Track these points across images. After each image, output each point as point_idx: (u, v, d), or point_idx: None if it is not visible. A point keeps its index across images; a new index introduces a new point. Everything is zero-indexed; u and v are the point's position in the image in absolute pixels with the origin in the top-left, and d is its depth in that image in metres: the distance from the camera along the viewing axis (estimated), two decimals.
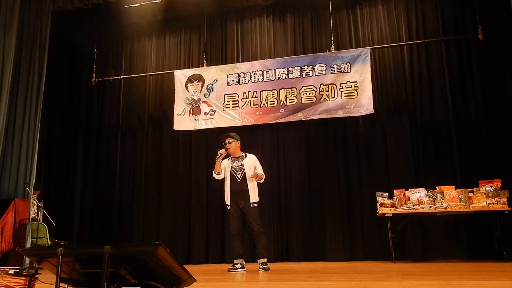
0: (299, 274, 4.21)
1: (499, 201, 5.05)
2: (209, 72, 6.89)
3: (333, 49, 6.45)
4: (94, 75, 7.46)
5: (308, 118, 6.32)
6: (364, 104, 6.09)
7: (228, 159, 5.02)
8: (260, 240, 4.76)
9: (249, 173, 4.86)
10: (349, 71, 6.27)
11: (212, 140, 6.71)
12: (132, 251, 2.00)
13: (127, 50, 7.66)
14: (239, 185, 4.86)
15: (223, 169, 4.99)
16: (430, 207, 5.26)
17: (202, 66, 7.02)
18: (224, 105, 6.70)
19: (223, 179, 5.02)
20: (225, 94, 6.73)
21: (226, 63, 6.99)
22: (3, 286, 2.37)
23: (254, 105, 6.58)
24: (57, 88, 7.45)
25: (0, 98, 5.81)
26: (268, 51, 6.92)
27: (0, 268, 4.09)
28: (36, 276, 2.50)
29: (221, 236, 6.47)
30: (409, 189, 5.50)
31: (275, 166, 6.50)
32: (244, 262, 4.83)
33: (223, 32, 7.22)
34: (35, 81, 6.20)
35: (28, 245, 5.53)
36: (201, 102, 6.82)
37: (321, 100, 6.30)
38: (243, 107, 6.61)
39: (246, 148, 5.66)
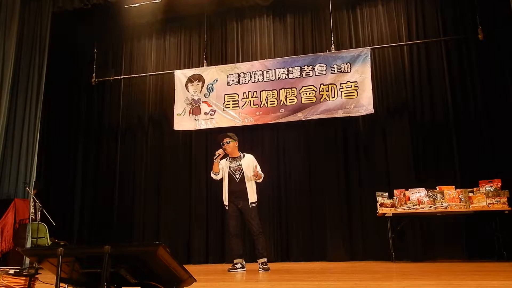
0: (299, 274, 4.21)
1: (499, 201, 5.05)
2: (209, 72, 6.89)
3: (333, 49, 6.45)
4: (94, 75, 7.46)
5: (308, 118, 6.32)
6: (364, 104, 6.09)
7: (226, 159, 5.02)
8: (260, 240, 4.76)
9: (247, 173, 4.85)
10: (349, 71, 6.27)
11: (212, 140, 6.69)
12: (132, 251, 2.00)
13: (127, 50, 7.66)
14: (238, 185, 4.85)
15: (221, 169, 4.99)
16: (430, 207, 5.26)
17: (202, 66, 7.02)
18: (224, 105, 6.70)
19: (221, 179, 5.02)
20: (225, 94, 6.74)
21: (226, 63, 6.99)
22: (3, 286, 2.37)
23: (254, 105, 6.58)
24: (57, 88, 7.45)
25: (0, 98, 5.81)
26: (268, 51, 6.93)
27: (0, 268, 4.09)
28: (36, 276, 2.50)
29: (221, 236, 6.47)
30: (409, 189, 5.50)
31: (275, 166, 6.50)
32: (244, 262, 4.83)
33: (223, 32, 7.23)
34: (35, 81, 6.20)
35: (28, 245, 5.53)
36: (201, 102, 6.82)
37: (321, 100, 6.30)
38: (243, 107, 6.61)
39: (247, 148, 5.67)
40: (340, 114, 6.21)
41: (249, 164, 4.92)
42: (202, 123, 6.76)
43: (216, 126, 6.65)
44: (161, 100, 7.28)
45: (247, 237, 5.74)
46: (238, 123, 6.57)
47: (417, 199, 5.38)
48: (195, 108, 6.83)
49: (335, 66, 6.34)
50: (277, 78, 6.56)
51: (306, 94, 6.38)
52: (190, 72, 6.99)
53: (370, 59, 6.20)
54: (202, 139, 6.93)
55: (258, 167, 4.97)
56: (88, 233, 7.06)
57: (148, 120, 7.29)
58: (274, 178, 6.43)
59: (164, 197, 6.88)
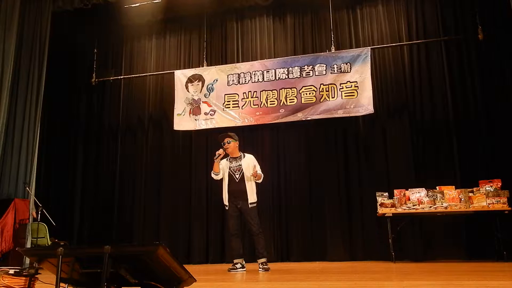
0: (299, 274, 4.20)
1: (499, 201, 5.05)
2: (209, 72, 6.89)
3: (333, 49, 6.45)
4: (94, 75, 7.46)
5: (308, 118, 6.32)
6: (364, 104, 6.09)
7: (227, 159, 5.02)
8: (260, 240, 4.76)
9: (247, 173, 4.85)
10: (349, 71, 6.27)
11: (212, 140, 6.69)
12: (132, 251, 2.00)
13: (127, 50, 7.65)
14: (237, 185, 4.85)
15: (221, 169, 4.98)
16: (430, 207, 5.26)
17: (202, 66, 7.02)
18: (224, 105, 6.70)
19: (222, 179, 5.02)
20: (225, 94, 6.74)
21: (226, 63, 6.99)
22: (3, 286, 2.37)
23: (254, 105, 6.58)
24: (57, 88, 7.44)
25: (0, 98, 5.81)
26: (268, 51, 6.93)
27: (0, 268, 4.09)
28: (36, 276, 2.50)
29: (221, 236, 6.47)
30: (409, 189, 5.50)
31: (275, 166, 6.50)
32: (244, 262, 4.83)
33: (223, 32, 7.23)
34: (35, 81, 6.21)
35: (28, 245, 5.53)
36: (201, 102, 6.82)
37: (321, 100, 6.30)
38: (243, 107, 6.61)
39: (247, 148, 5.66)
40: (340, 114, 6.21)
41: (249, 164, 4.92)
42: (202, 123, 6.76)
43: (216, 126, 6.65)
44: (161, 100, 7.28)
45: (247, 237, 5.74)
46: (238, 123, 6.57)
47: (417, 199, 5.38)
48: (195, 108, 6.83)
49: (335, 66, 6.34)
50: (277, 78, 6.56)
51: (306, 94, 6.38)
52: (190, 72, 6.99)
53: (370, 59, 6.20)
54: (202, 139, 6.93)
55: (258, 167, 4.96)
56: (88, 233, 7.06)
57: (148, 120, 7.29)
58: (274, 178, 6.43)
59: (164, 197, 6.88)
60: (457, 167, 5.83)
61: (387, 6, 6.59)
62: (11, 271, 2.45)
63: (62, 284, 2.05)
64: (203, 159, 6.79)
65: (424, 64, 6.28)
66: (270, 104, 6.52)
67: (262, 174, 4.96)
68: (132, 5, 6.93)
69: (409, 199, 5.42)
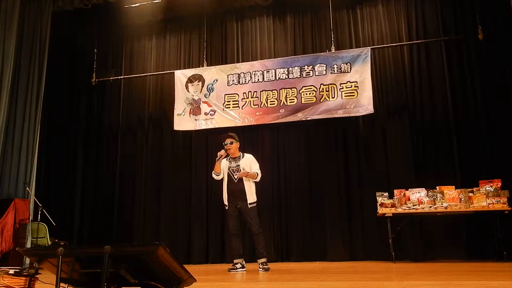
0: (299, 274, 4.20)
1: (499, 201, 5.05)
2: (209, 72, 6.89)
3: (333, 49, 6.45)
4: (94, 75, 7.46)
5: (308, 118, 6.32)
6: (364, 104, 6.09)
7: (227, 159, 5.02)
8: (259, 240, 4.76)
9: (258, 179, 4.84)
10: (349, 71, 6.27)
11: (212, 140, 6.70)
12: (132, 251, 2.01)
13: (127, 50, 7.65)
14: (236, 186, 4.86)
15: (222, 169, 4.99)
16: (430, 207, 5.26)
17: (202, 66, 7.02)
18: (224, 105, 6.70)
19: (222, 179, 5.02)
20: (225, 94, 6.74)
21: (226, 63, 6.99)
22: (3, 286, 2.37)
23: (254, 105, 6.58)
24: (57, 88, 7.44)
25: (0, 98, 5.81)
26: (268, 51, 6.93)
27: (0, 268, 4.09)
28: (36, 276, 2.50)
29: (221, 236, 6.47)
30: (409, 189, 5.50)
31: (275, 166, 6.50)
32: (244, 262, 4.83)
33: (223, 32, 7.22)
34: (35, 81, 6.21)
35: (28, 245, 5.53)
36: (201, 102, 6.82)
37: (321, 100, 6.30)
38: (243, 107, 6.61)
39: (247, 148, 5.66)
40: (340, 114, 6.21)
41: (247, 164, 4.92)
42: (202, 123, 6.76)
43: (216, 126, 6.65)
44: (161, 100, 7.28)
45: (247, 237, 5.74)
46: (238, 123, 6.57)
47: (417, 199, 5.38)
48: (195, 108, 6.83)
49: (335, 66, 6.34)
50: (277, 78, 6.56)
51: (306, 94, 6.38)
52: (190, 72, 6.99)
53: (370, 59, 6.20)
54: (202, 139, 6.93)
55: (256, 166, 4.93)
56: (88, 233, 7.06)
57: (148, 120, 7.29)
58: (274, 178, 6.43)
59: (164, 197, 6.88)
60: (457, 167, 5.83)
61: (387, 6, 6.59)
62: (11, 271, 2.45)
63: (62, 284, 2.05)
64: (203, 159, 6.79)
65: (424, 64, 6.28)
66: (270, 104, 6.52)
67: (259, 174, 4.90)
68: (132, 5, 6.93)
69: (409, 199, 5.42)
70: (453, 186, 5.39)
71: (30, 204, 5.76)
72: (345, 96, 6.22)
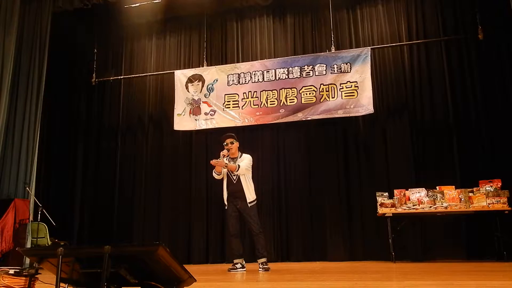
0: (299, 274, 4.21)
1: (499, 201, 5.05)
2: (209, 72, 6.89)
3: (333, 49, 6.45)
4: (94, 75, 7.46)
5: (308, 118, 6.32)
6: (364, 104, 6.09)
7: (226, 159, 5.02)
8: (260, 239, 4.76)
9: (240, 172, 4.83)
10: (349, 71, 6.27)
11: (212, 140, 6.71)
12: (132, 251, 2.00)
13: (127, 50, 7.65)
14: (235, 186, 4.87)
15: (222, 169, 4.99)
16: (430, 207, 5.26)
17: (202, 66, 7.02)
18: (224, 105, 6.70)
19: (223, 178, 5.03)
20: (225, 94, 6.73)
21: (226, 63, 6.99)
22: (3, 286, 2.37)
23: (254, 105, 6.58)
24: (57, 88, 7.44)
25: (0, 98, 5.81)
26: (268, 51, 6.92)
27: (0, 268, 4.09)
28: (36, 276, 2.50)
29: (221, 236, 6.47)
30: (409, 189, 5.50)
31: (275, 166, 6.50)
32: (244, 262, 4.83)
33: (223, 32, 7.22)
34: (35, 81, 6.20)
35: (28, 245, 5.53)
36: (201, 102, 6.82)
37: (321, 100, 6.30)
38: (243, 107, 6.61)
39: (247, 148, 5.66)
40: (340, 114, 6.21)
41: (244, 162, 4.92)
42: (202, 123, 6.76)
43: (216, 126, 6.65)
44: (161, 100, 7.28)
45: (247, 237, 5.74)
46: (238, 123, 6.57)
47: (417, 199, 5.38)
48: (195, 108, 6.83)
49: (335, 66, 6.34)
50: (277, 78, 6.56)
51: (306, 94, 6.38)
52: (190, 72, 6.99)
53: (370, 59, 6.20)
54: (202, 139, 6.93)
55: (246, 165, 4.85)
56: (88, 233, 7.06)
57: (148, 120, 7.29)
58: (274, 178, 6.43)
59: (164, 197, 6.88)
60: (457, 167, 5.83)
61: (387, 6, 6.59)
62: (11, 271, 2.45)
63: (62, 284, 2.05)
64: (203, 159, 6.78)
65: (424, 64, 6.28)
66: (270, 104, 6.52)
67: (244, 168, 4.81)
68: (132, 5, 6.92)
69: (409, 199, 5.42)
70: (453, 186, 5.39)
71: (30, 204, 5.76)
72: (345, 96, 6.22)
